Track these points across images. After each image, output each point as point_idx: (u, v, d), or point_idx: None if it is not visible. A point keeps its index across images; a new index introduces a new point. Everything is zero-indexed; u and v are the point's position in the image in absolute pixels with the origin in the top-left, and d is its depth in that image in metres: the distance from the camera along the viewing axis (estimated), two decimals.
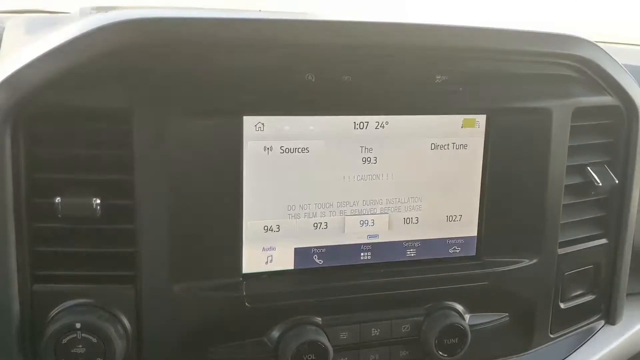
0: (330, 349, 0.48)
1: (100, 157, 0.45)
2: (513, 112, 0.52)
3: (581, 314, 0.60)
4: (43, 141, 0.44)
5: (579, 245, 0.58)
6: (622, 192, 0.59)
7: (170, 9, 0.47)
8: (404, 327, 0.52)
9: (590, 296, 0.61)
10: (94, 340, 0.44)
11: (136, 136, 0.44)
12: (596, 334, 0.61)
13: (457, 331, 0.51)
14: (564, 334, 0.60)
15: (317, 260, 0.51)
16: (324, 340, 0.48)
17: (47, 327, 0.44)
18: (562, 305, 0.58)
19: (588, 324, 0.61)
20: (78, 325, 0.44)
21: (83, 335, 0.44)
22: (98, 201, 0.44)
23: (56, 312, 0.45)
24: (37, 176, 0.44)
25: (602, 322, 0.62)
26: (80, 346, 0.44)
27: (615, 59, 0.55)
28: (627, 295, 0.62)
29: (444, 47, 0.49)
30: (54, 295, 0.45)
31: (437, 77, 0.49)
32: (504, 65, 0.51)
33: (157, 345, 0.47)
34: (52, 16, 0.73)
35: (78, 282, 0.45)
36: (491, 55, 0.51)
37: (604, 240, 0.60)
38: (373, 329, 0.51)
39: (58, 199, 0.44)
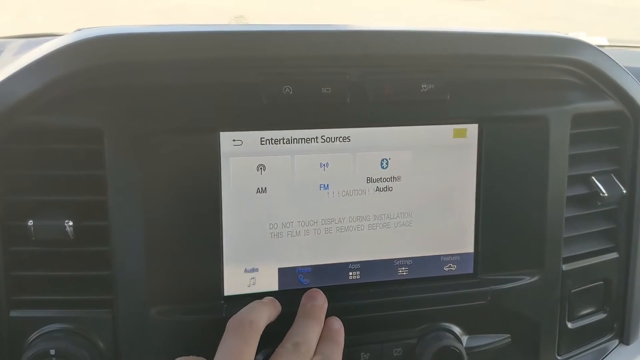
0: None
1: (73, 178, 0.44)
2: (506, 121, 0.49)
3: (592, 333, 0.57)
4: (15, 163, 0.43)
5: (586, 260, 0.55)
6: (631, 202, 0.56)
7: (149, 26, 0.45)
8: (396, 351, 0.49)
9: (602, 314, 0.57)
10: None
11: (108, 156, 0.43)
12: (609, 355, 0.58)
13: (452, 354, 0.48)
14: (574, 355, 0.56)
15: (303, 281, 0.49)
16: None
17: (24, 353, 0.43)
18: (569, 325, 0.55)
19: (600, 343, 0.58)
20: (52, 352, 0.43)
21: None
22: (71, 223, 0.43)
23: (33, 337, 0.44)
24: (9, 198, 0.44)
25: (616, 341, 0.59)
26: None
27: (616, 61, 0.52)
28: None
29: (427, 56, 0.47)
30: (31, 321, 0.44)
31: (423, 86, 0.47)
32: (494, 71, 0.49)
33: None
34: (45, 39, 0.73)
35: (55, 307, 0.45)
36: (479, 62, 0.48)
37: (614, 254, 0.56)
38: (362, 353, 0.49)
39: (31, 222, 0.43)
